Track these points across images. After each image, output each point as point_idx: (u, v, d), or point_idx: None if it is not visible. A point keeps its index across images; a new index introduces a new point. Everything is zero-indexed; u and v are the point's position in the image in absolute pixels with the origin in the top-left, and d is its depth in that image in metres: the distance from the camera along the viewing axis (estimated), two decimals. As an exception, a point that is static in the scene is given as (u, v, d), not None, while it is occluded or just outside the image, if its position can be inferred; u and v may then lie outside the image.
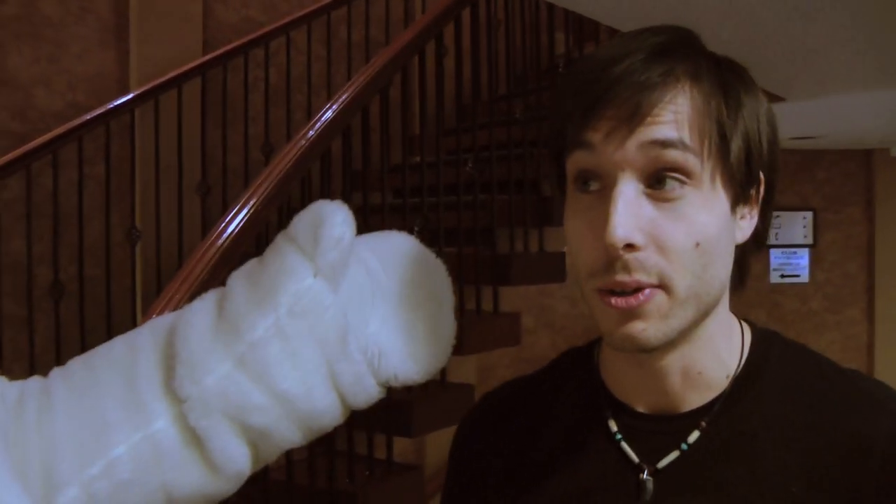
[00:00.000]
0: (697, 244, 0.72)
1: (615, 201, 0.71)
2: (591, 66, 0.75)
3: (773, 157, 0.79)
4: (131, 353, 0.82)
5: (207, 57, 3.79)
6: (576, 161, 0.75)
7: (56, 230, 3.30)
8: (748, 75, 0.79)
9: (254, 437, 0.80)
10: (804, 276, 7.12)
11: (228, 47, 3.81)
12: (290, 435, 0.82)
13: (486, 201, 3.33)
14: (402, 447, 3.32)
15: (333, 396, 0.82)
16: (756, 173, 0.78)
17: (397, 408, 2.71)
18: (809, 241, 7.10)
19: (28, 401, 0.79)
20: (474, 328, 3.00)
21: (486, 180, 3.36)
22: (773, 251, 7.04)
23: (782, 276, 7.09)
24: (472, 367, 3.66)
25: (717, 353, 0.80)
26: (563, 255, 3.62)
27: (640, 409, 0.82)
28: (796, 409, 0.79)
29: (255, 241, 2.37)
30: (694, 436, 0.79)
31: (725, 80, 0.75)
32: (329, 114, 2.63)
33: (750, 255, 0.82)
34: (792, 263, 7.10)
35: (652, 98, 0.71)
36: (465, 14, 3.51)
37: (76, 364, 0.84)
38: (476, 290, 3.23)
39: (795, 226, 7.09)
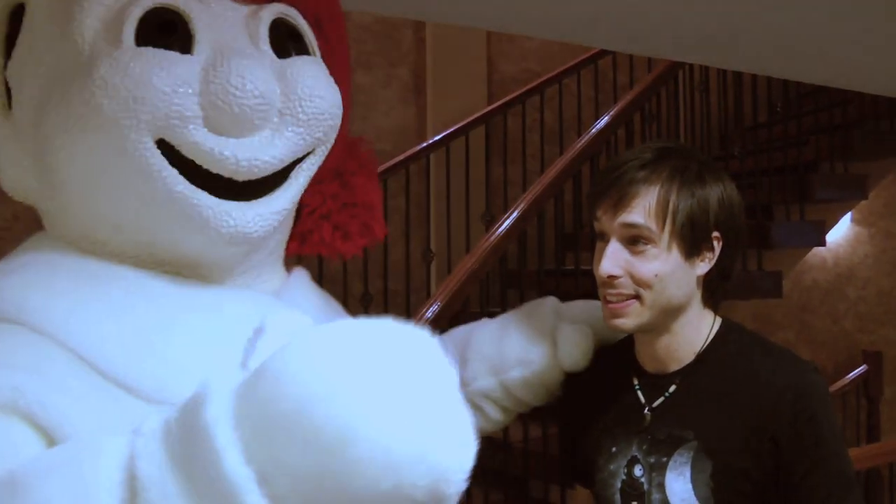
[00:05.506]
0: (656, 275, 1.22)
1: (606, 251, 1.24)
2: (607, 168, 1.27)
3: (729, 222, 1.25)
4: None
5: (490, 107, 4.36)
6: (595, 225, 1.27)
7: (366, 252, 3.92)
8: (710, 174, 1.25)
9: None
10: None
11: (508, 98, 4.36)
12: None
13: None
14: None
15: None
16: (703, 236, 1.23)
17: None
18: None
19: None
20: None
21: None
22: None
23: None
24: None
25: (687, 339, 1.29)
26: (778, 273, 4.01)
27: (649, 370, 1.32)
28: (736, 373, 1.26)
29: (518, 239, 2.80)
30: (672, 388, 1.29)
31: (685, 180, 1.22)
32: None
33: (716, 282, 1.29)
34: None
35: (630, 194, 1.22)
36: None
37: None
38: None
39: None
